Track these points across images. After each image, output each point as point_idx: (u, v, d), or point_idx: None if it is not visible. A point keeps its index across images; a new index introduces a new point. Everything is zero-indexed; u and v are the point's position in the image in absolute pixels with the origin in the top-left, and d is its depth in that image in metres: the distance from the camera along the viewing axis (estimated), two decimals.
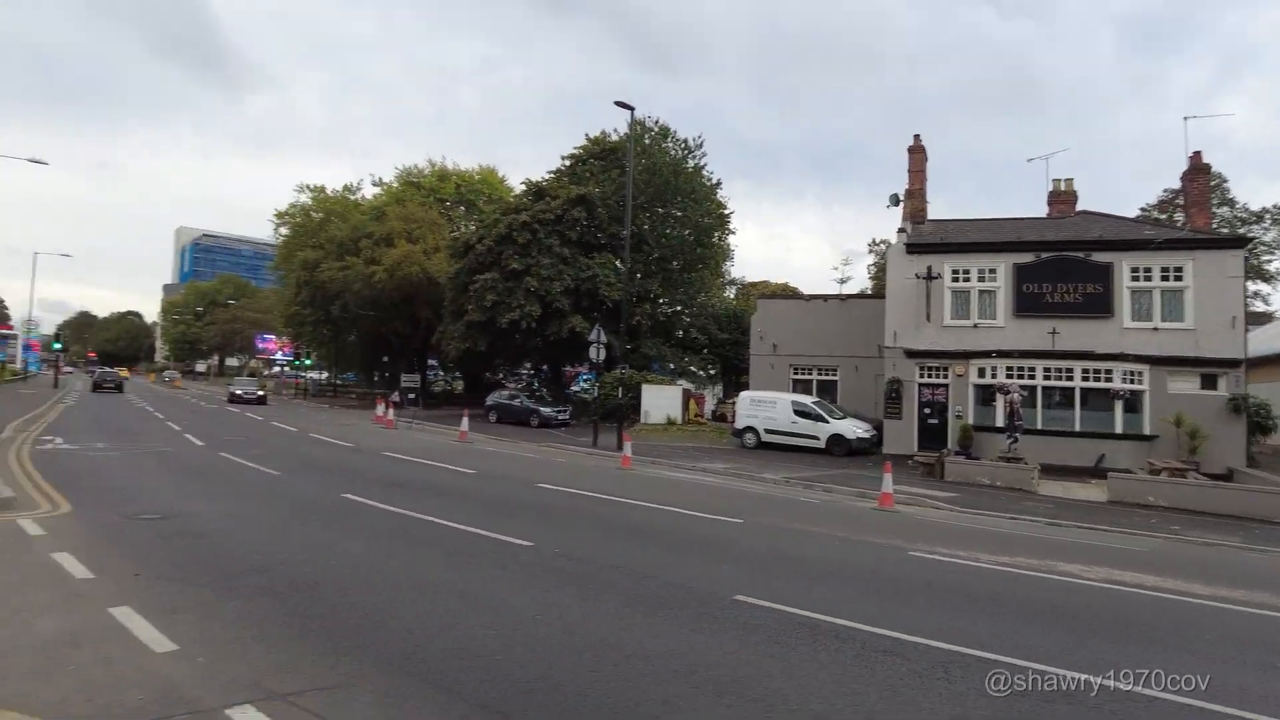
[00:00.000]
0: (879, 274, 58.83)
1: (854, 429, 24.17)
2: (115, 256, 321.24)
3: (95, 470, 13.84)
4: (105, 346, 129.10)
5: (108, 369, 68.61)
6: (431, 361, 53.05)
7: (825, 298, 31.24)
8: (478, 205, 50.37)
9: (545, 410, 32.41)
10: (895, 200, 27.48)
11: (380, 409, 32.33)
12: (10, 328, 76.49)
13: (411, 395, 37.46)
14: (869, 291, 54.70)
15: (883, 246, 61.08)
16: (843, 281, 61.30)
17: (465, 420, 25.78)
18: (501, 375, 50.90)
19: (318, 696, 4.43)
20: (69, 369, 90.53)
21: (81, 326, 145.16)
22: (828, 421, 24.23)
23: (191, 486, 12.51)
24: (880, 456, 22.04)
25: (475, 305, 34.93)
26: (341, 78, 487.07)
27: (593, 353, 25.11)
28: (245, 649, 5.17)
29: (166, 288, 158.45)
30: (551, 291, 33.71)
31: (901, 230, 25.47)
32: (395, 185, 51.96)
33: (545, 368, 45.54)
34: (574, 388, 45.74)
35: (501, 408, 33.86)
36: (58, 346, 61.18)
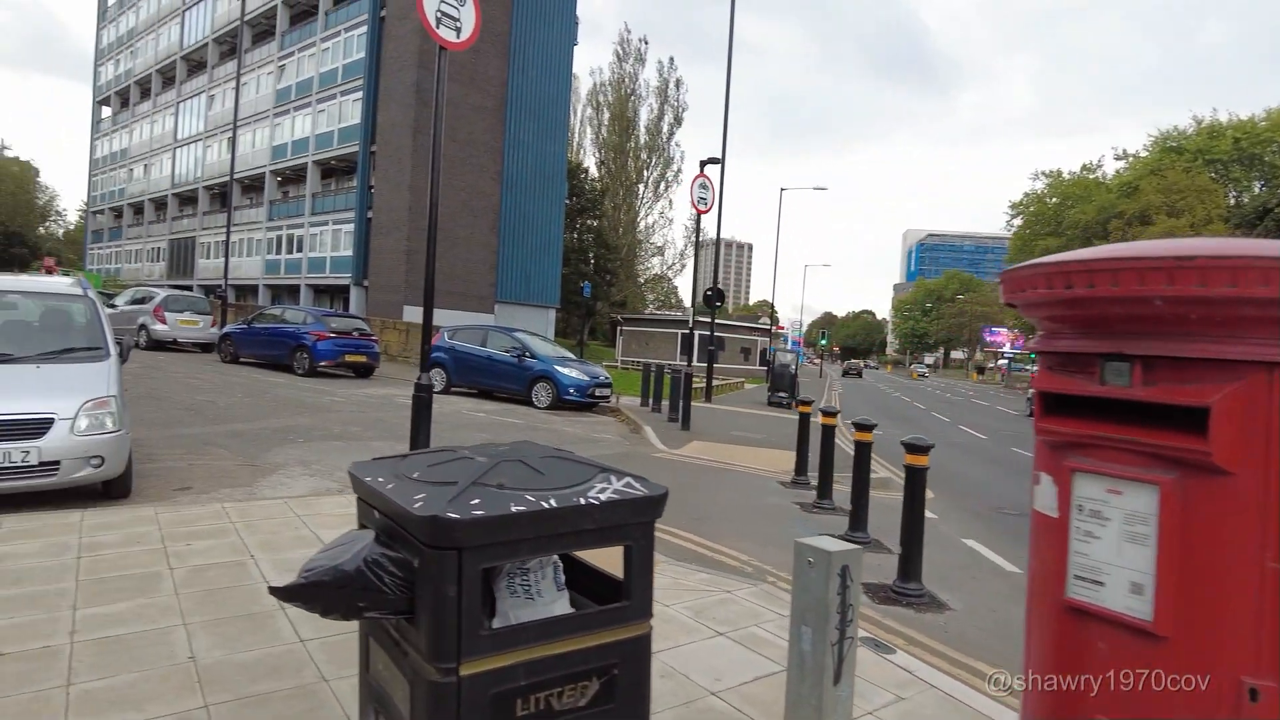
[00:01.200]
0: None
1: None
2: (848, 261, 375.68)
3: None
4: (844, 341, 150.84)
5: (853, 360, 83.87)
6: None
7: None
8: (1265, 159, 40.67)
9: None
10: None
11: None
12: (783, 328, 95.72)
13: None
14: None
15: None
16: None
17: None
18: None
19: None
20: (817, 360, 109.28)
21: (825, 324, 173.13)
22: None
23: (1014, 483, 12.92)
24: None
25: None
26: (1051, 54, 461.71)
27: None
28: None
29: (896, 286, 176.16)
30: None
31: None
32: (1146, 154, 45.95)
33: None
34: None
35: None
36: (824, 343, 73.75)
